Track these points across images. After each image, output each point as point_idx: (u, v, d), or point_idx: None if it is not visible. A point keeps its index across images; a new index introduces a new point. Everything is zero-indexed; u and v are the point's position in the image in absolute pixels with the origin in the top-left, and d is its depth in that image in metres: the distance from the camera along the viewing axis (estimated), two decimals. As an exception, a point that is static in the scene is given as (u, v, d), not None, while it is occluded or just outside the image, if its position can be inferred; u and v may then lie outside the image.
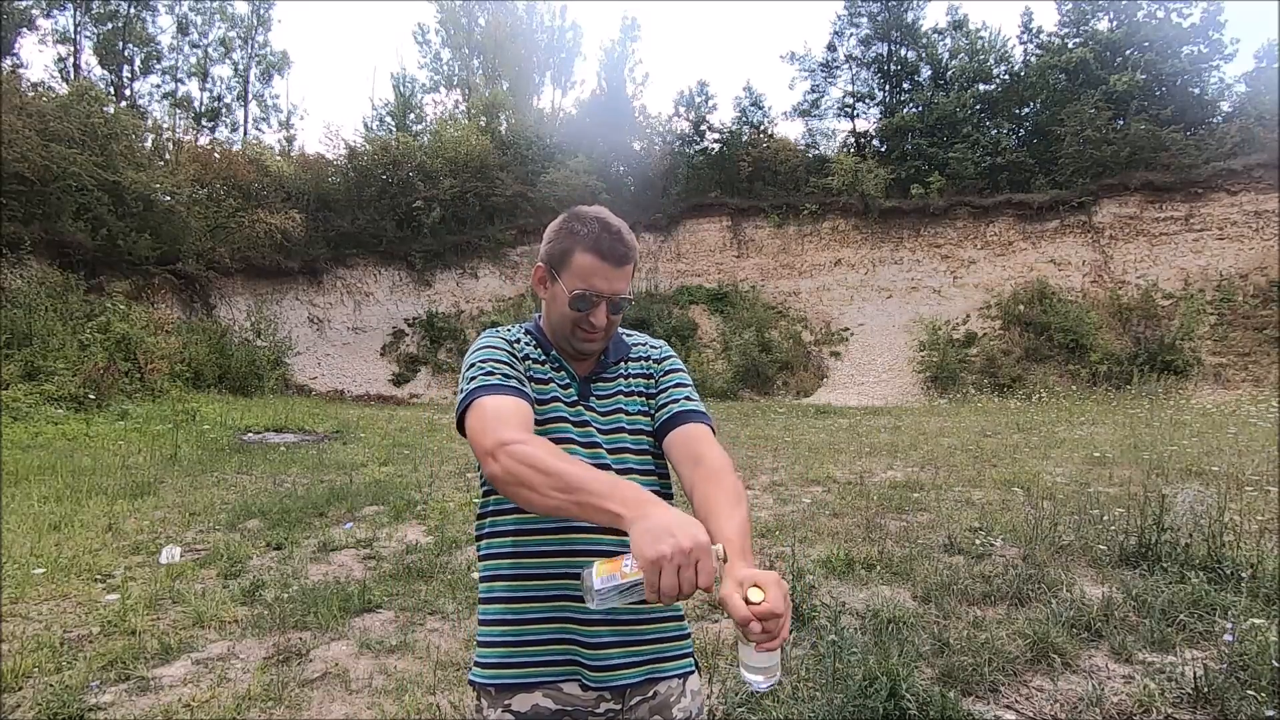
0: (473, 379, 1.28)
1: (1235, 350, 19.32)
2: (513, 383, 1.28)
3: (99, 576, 4.57)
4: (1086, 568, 4.51)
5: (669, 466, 1.41)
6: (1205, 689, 2.82)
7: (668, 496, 1.40)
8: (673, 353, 1.53)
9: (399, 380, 23.64)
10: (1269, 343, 18.94)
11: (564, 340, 1.38)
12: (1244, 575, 3.90)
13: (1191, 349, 19.31)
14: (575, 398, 1.38)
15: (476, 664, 1.32)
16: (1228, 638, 3.19)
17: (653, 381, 1.46)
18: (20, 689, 3.05)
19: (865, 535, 5.47)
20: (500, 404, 1.22)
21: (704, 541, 0.98)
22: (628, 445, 1.37)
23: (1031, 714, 2.81)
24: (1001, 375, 20.39)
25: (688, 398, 1.42)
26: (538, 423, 1.30)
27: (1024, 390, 19.36)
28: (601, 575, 1.02)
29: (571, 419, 1.35)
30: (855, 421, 14.66)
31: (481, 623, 1.35)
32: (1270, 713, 2.64)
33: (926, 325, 21.95)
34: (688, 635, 1.40)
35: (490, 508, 1.36)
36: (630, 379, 1.45)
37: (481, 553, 1.38)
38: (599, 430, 1.36)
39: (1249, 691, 2.78)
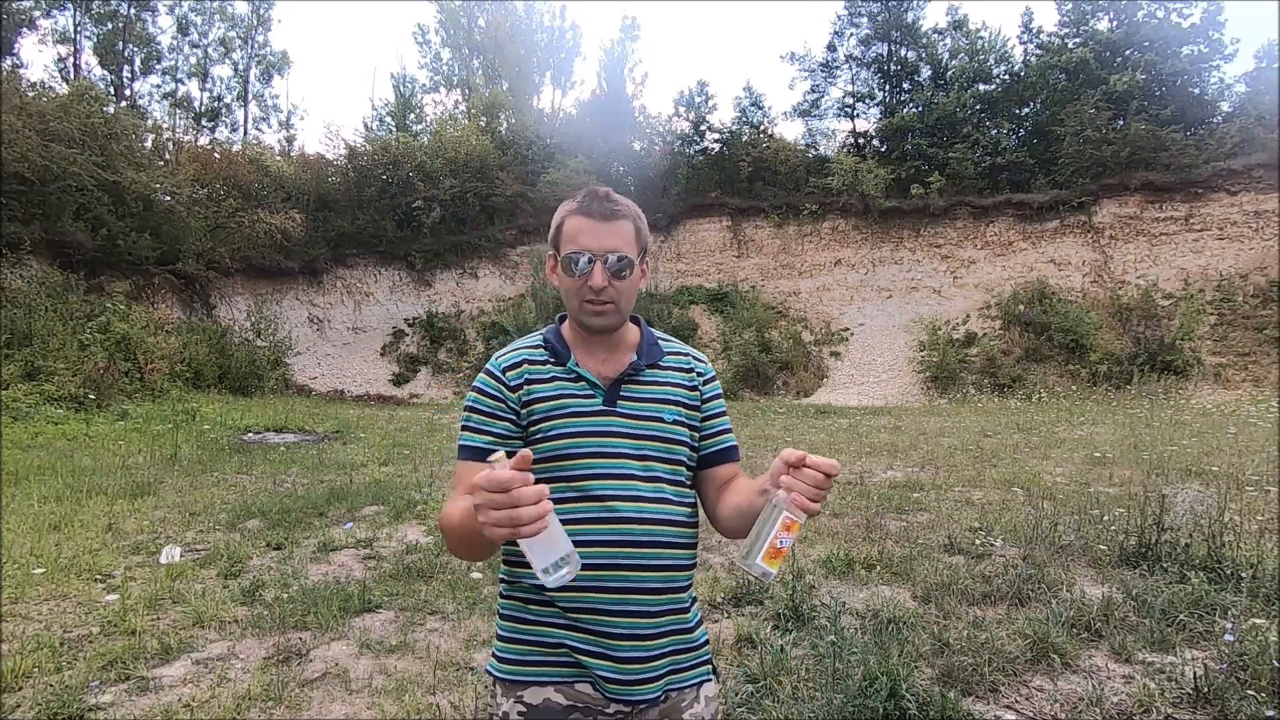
0: (463, 428, 1.35)
1: (1235, 350, 19.31)
2: (484, 440, 1.29)
3: (99, 576, 4.56)
4: (1086, 568, 4.51)
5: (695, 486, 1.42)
6: (1205, 689, 2.82)
7: (690, 505, 1.37)
8: (715, 373, 1.50)
9: (399, 380, 23.64)
10: (1269, 343, 18.93)
11: (577, 319, 1.34)
12: (1244, 575, 3.90)
13: (1191, 349, 19.30)
14: (600, 405, 1.32)
15: (495, 656, 1.34)
16: (1228, 638, 3.19)
17: (697, 395, 1.41)
18: (20, 689, 3.04)
19: (865, 535, 5.47)
20: (464, 475, 1.28)
21: (478, 481, 0.97)
22: (660, 454, 1.32)
23: (1031, 714, 2.81)
24: (1001, 375, 20.38)
25: (730, 431, 1.46)
26: (545, 439, 1.28)
27: (1024, 390, 19.35)
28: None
29: (592, 430, 1.30)
30: (855, 421, 14.66)
31: (501, 615, 1.35)
32: (1270, 713, 2.64)
33: (926, 325, 21.95)
34: (705, 643, 1.38)
35: None
36: (667, 386, 1.38)
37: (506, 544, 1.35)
38: (628, 437, 1.30)
39: (1249, 691, 2.78)
